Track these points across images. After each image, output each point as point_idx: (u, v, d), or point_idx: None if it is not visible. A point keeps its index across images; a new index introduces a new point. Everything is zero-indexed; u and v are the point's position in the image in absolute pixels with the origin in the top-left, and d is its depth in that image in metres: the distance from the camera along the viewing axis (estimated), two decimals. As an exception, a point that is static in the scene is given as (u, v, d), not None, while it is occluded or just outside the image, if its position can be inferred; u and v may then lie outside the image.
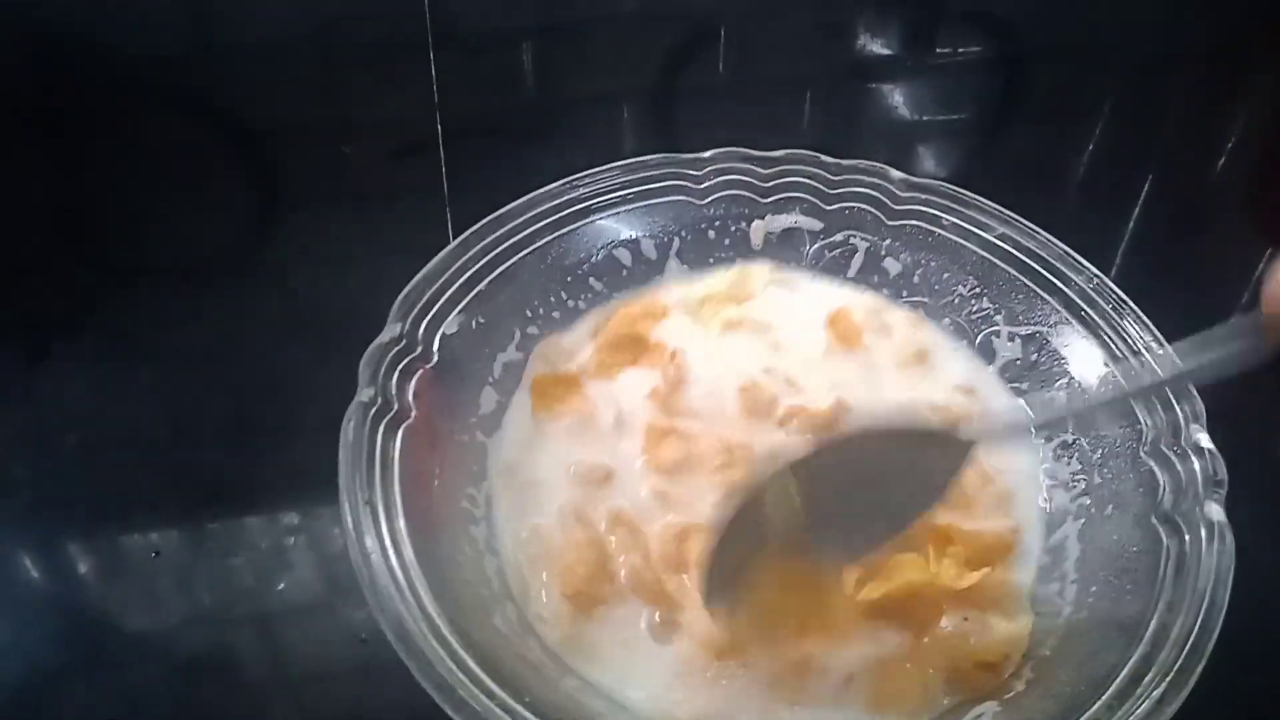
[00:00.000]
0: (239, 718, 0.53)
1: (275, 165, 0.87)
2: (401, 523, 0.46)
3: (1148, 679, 0.42)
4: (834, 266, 0.62)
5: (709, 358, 0.57)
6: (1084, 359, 0.55)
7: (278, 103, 0.90)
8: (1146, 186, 0.83)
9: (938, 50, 0.99)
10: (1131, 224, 0.79)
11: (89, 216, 0.82)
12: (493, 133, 0.87)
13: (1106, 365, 0.53)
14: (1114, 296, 0.54)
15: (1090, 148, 0.88)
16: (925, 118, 0.94)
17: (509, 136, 0.87)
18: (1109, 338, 0.53)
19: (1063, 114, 0.92)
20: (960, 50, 0.99)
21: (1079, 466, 0.53)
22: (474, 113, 0.88)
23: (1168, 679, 0.41)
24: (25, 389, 0.67)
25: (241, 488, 0.62)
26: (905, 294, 0.61)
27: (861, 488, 0.44)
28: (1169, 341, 0.52)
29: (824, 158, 0.61)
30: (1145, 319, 0.53)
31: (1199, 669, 0.41)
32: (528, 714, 0.41)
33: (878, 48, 0.99)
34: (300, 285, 0.74)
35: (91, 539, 0.60)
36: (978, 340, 0.59)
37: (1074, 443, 0.54)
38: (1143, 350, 0.52)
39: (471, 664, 0.42)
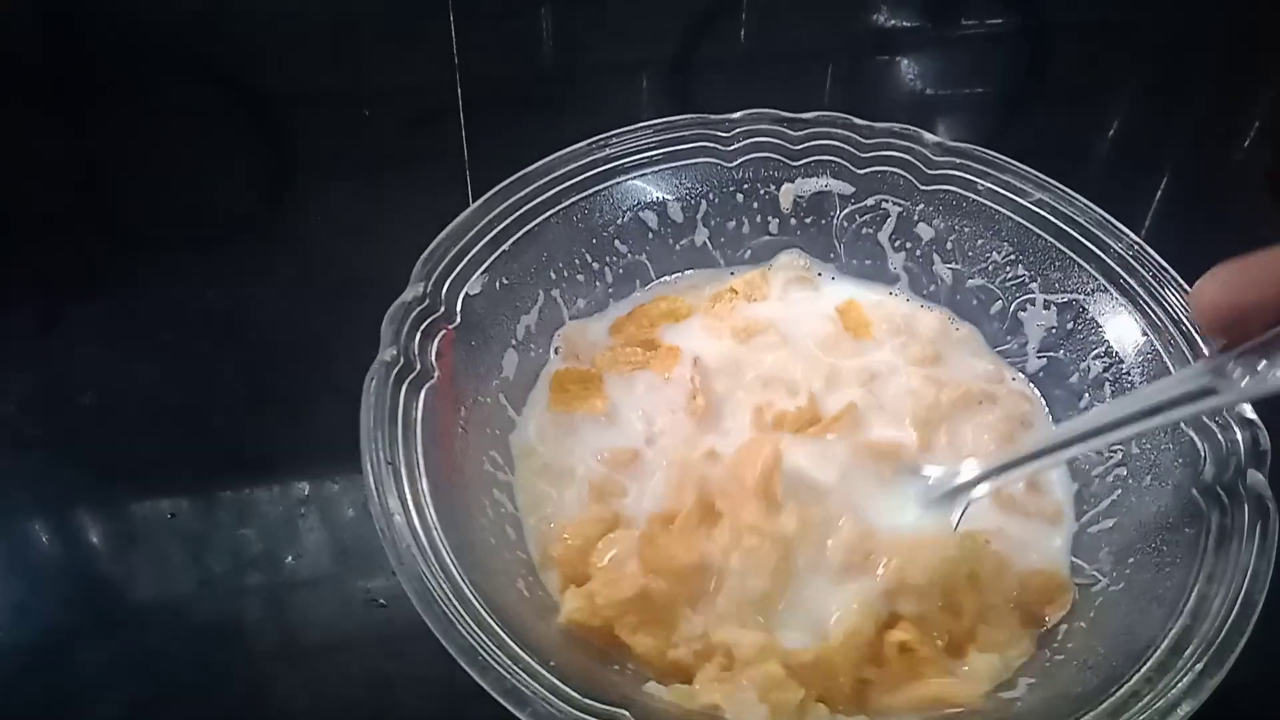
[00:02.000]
0: (252, 684, 0.53)
1: (293, 132, 0.86)
2: (424, 484, 0.45)
3: (1188, 652, 0.40)
4: (866, 231, 0.61)
5: (721, 369, 0.56)
6: (1122, 327, 0.53)
7: (295, 69, 0.89)
8: (1171, 162, 0.82)
9: (962, 22, 0.97)
10: (1156, 201, 0.78)
11: (105, 180, 0.81)
12: (512, 100, 0.86)
13: (1145, 334, 0.52)
14: (1154, 263, 0.53)
15: (1115, 122, 0.86)
16: (948, 90, 0.93)
17: (529, 104, 0.86)
18: (1148, 306, 0.52)
19: (1087, 88, 0.90)
20: (985, 22, 0.97)
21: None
22: (494, 80, 0.87)
23: (1209, 653, 0.40)
24: (40, 349, 0.67)
25: (258, 451, 0.61)
26: (939, 260, 0.59)
27: None
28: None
29: (856, 120, 0.59)
30: (1187, 286, 0.51)
31: (1241, 643, 0.40)
32: (553, 679, 0.40)
33: (901, 19, 0.98)
34: (318, 249, 0.73)
35: (105, 501, 0.59)
36: (1012, 307, 0.57)
37: (1111, 413, 0.53)
38: (1184, 319, 0.51)
39: (496, 627, 0.41)
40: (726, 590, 0.46)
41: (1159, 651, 0.41)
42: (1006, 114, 0.92)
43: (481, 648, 0.40)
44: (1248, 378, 0.38)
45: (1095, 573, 0.49)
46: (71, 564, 0.57)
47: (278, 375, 0.65)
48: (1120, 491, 0.50)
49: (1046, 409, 0.57)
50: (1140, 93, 0.91)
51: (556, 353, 0.58)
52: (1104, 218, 0.55)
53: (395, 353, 0.48)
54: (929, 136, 0.59)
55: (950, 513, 0.48)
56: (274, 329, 0.67)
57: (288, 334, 0.67)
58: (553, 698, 0.39)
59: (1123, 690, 0.40)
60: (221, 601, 0.55)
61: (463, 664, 0.39)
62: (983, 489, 0.48)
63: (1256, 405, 0.47)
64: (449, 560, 0.43)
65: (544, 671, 0.40)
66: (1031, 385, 0.58)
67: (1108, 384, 0.53)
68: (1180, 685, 0.39)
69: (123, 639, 0.54)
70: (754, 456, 0.48)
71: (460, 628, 0.40)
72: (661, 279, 0.62)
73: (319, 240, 0.74)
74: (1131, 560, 0.47)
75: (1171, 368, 0.50)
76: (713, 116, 0.60)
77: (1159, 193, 0.79)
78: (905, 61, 0.93)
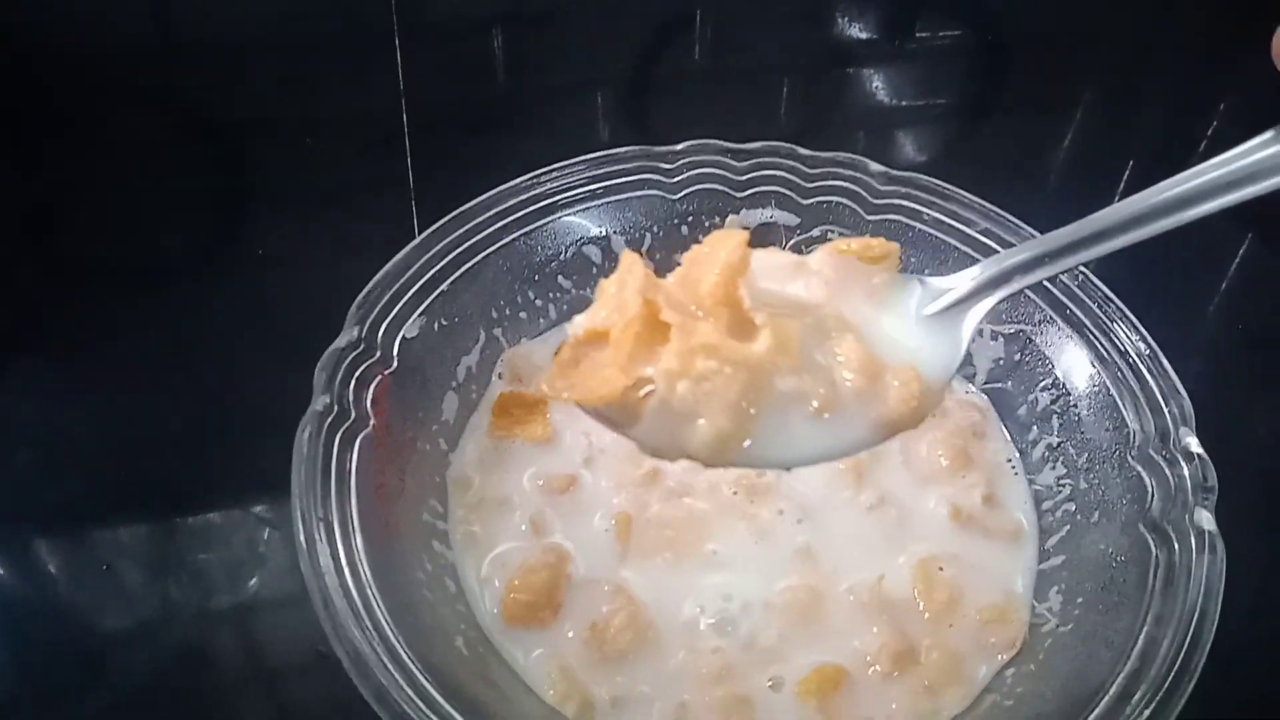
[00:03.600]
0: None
1: (238, 162, 0.84)
2: (358, 540, 0.44)
3: (1136, 698, 0.40)
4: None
5: None
6: (1069, 358, 0.53)
7: (240, 98, 0.87)
8: (1126, 175, 0.82)
9: (917, 35, 0.96)
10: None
11: (46, 216, 0.79)
12: (462, 125, 0.85)
13: (1093, 366, 0.51)
14: (1100, 294, 0.52)
15: (1070, 135, 0.86)
16: (905, 103, 0.92)
17: (479, 128, 0.85)
18: (1095, 338, 0.51)
19: (1043, 101, 0.90)
20: (941, 35, 0.97)
21: (1064, 471, 0.52)
22: (442, 104, 0.85)
23: (1157, 697, 0.40)
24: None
25: (197, 498, 0.59)
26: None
27: None
28: (1155, 341, 0.50)
29: (800, 150, 0.59)
30: (1133, 318, 0.51)
31: (1190, 687, 0.40)
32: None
33: (857, 32, 0.97)
34: (261, 286, 0.71)
35: (46, 552, 0.58)
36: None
37: (1059, 446, 0.52)
38: (1130, 352, 0.50)
39: (432, 691, 0.40)
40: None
41: (1107, 698, 0.40)
42: (963, 126, 0.92)
43: (417, 714, 0.39)
44: None
45: (1045, 611, 0.48)
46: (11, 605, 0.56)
47: (220, 417, 0.63)
48: (1069, 528, 0.50)
49: (999, 418, 0.56)
50: (1096, 105, 0.90)
51: (500, 377, 0.57)
52: (1050, 247, 0.54)
53: (329, 401, 0.47)
54: (874, 166, 0.58)
55: (955, 335, 0.40)
56: (215, 370, 0.65)
57: (229, 375, 0.65)
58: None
59: (1071, 741, 0.40)
60: (160, 650, 0.54)
61: (397, 735, 0.38)
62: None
63: (1204, 442, 0.47)
64: (383, 621, 0.42)
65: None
66: (981, 394, 0.57)
67: (1055, 416, 0.53)
68: (1129, 734, 0.39)
69: (63, 693, 0.52)
70: (712, 254, 0.38)
71: (394, 693, 0.39)
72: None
73: (264, 275, 0.72)
74: (1080, 600, 0.47)
75: (1119, 401, 0.50)
76: (656, 148, 0.59)
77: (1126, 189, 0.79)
78: (862, 74, 0.93)
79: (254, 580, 0.56)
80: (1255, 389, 0.65)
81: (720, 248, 0.37)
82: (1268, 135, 0.35)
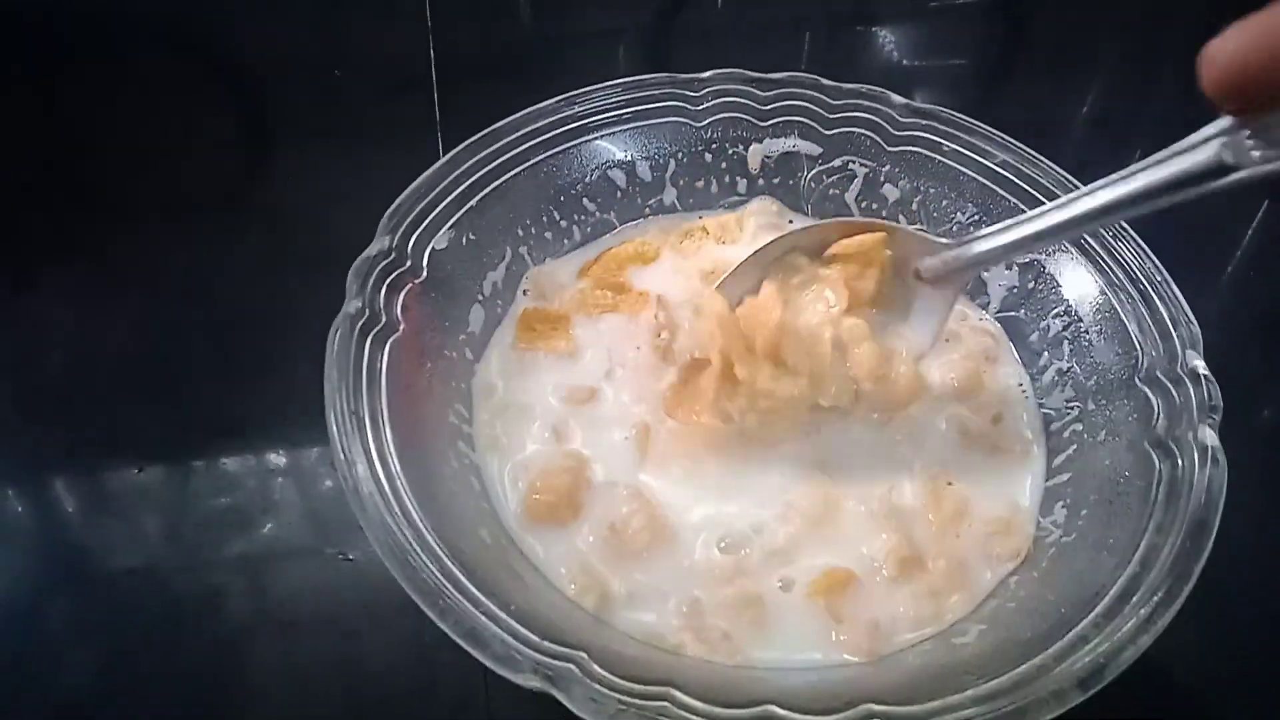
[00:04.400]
0: (223, 638, 0.53)
1: (266, 101, 0.86)
2: (388, 434, 0.45)
3: (1135, 599, 0.41)
4: (833, 192, 0.62)
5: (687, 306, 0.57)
6: (1081, 286, 0.54)
7: (269, 38, 0.88)
8: (1147, 134, 0.82)
9: (939, -6, 0.97)
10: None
11: (78, 149, 0.81)
12: (487, 69, 0.86)
13: (1104, 293, 0.52)
14: (1117, 226, 0.53)
15: (1090, 96, 0.87)
16: (924, 62, 0.93)
17: (503, 72, 0.86)
18: (1106, 265, 0.53)
19: (1064, 62, 0.91)
20: (961, -5, 0.97)
21: (1073, 394, 0.53)
22: (468, 48, 0.87)
23: (1155, 598, 0.41)
24: (12, 314, 0.67)
25: (226, 408, 0.61)
26: (903, 220, 0.60)
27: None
28: (1168, 273, 0.52)
29: (824, 81, 0.60)
30: (1144, 246, 0.52)
31: (1186, 590, 0.41)
32: (513, 622, 0.40)
33: (878, -11, 0.98)
34: (289, 216, 0.73)
35: (74, 459, 0.59)
36: (975, 269, 0.58)
37: (1069, 370, 0.53)
38: (1141, 278, 0.51)
39: (457, 572, 0.41)
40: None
41: (1108, 598, 0.42)
42: (983, 86, 0.92)
43: (443, 592, 0.40)
44: (1263, 150, 0.36)
45: (1050, 524, 0.49)
46: (43, 520, 0.58)
47: (247, 336, 0.65)
48: (1076, 447, 0.51)
49: (1010, 344, 0.57)
50: (1116, 66, 0.91)
51: (525, 294, 0.58)
52: (1065, 178, 0.55)
53: (360, 305, 0.49)
54: (896, 98, 0.59)
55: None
56: (244, 292, 0.67)
57: (258, 296, 0.67)
58: (511, 639, 0.39)
59: (1071, 635, 0.41)
60: (192, 558, 0.55)
61: (424, 607, 0.40)
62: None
63: (1210, 363, 0.48)
64: (412, 508, 0.43)
65: (504, 615, 0.40)
66: (995, 321, 0.58)
67: (1065, 342, 0.54)
68: (1127, 629, 0.40)
69: (94, 595, 0.54)
70: (760, 319, 0.49)
71: (423, 573, 0.41)
72: (630, 222, 0.62)
73: (290, 206, 0.74)
74: (1084, 512, 0.48)
75: (1128, 326, 0.51)
76: (682, 76, 0.60)
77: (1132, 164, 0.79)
78: (883, 32, 0.94)
79: (285, 493, 0.58)
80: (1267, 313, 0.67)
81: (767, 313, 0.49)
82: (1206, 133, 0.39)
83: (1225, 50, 0.34)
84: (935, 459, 0.52)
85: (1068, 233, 0.48)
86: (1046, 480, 0.52)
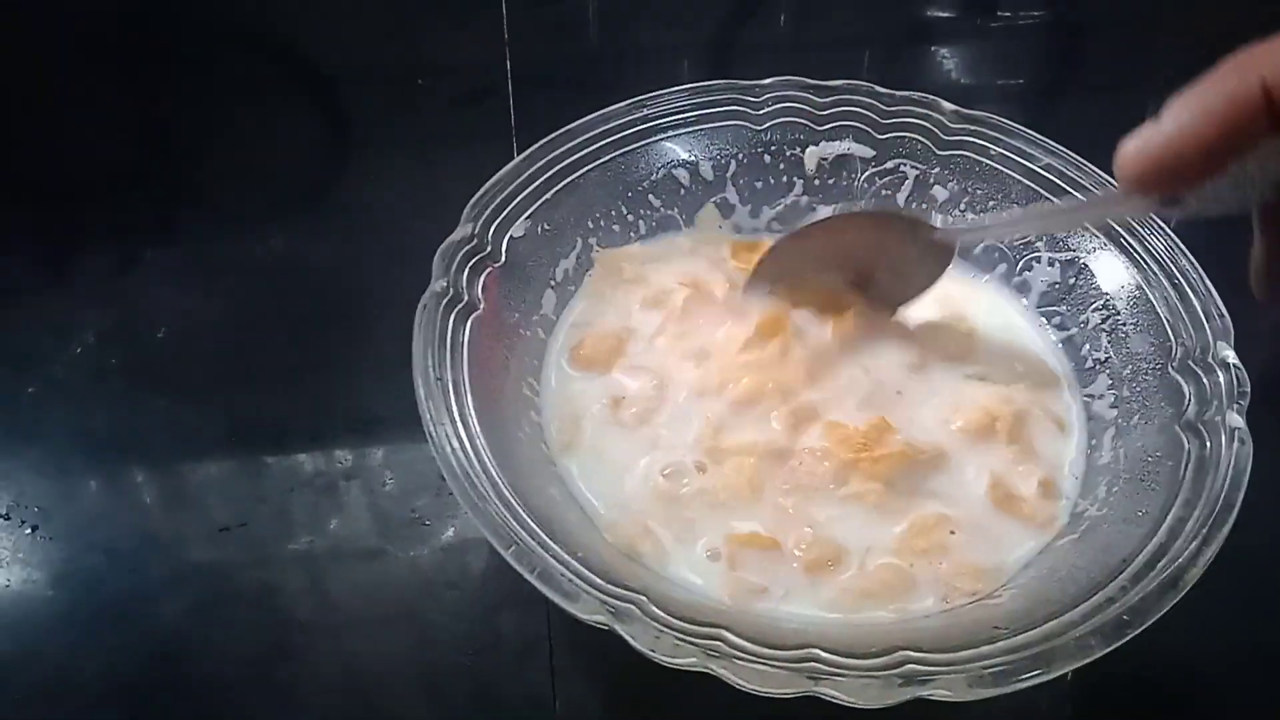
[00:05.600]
0: (303, 589, 0.58)
1: (351, 107, 0.91)
2: (469, 398, 0.50)
3: (1161, 564, 0.44)
4: (885, 193, 0.65)
5: None
6: (1118, 280, 0.57)
7: (350, 45, 0.94)
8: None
9: (998, 14, 1.00)
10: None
11: (175, 144, 0.87)
12: (558, 80, 0.91)
13: (1140, 288, 0.55)
14: (1153, 224, 0.56)
15: (1146, 115, 0.88)
16: (982, 82, 0.96)
17: (574, 84, 0.91)
18: (1143, 259, 0.56)
19: (1120, 83, 0.93)
20: (1021, 15, 1.00)
21: (1110, 381, 0.56)
22: (541, 60, 0.91)
23: (1177, 563, 0.44)
24: (119, 289, 0.72)
25: (314, 378, 0.67)
26: (951, 221, 0.63)
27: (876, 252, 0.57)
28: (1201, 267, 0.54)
29: (878, 89, 0.63)
30: (1177, 240, 0.55)
31: (1210, 555, 0.44)
32: (578, 564, 0.44)
33: (939, 9, 1.01)
34: (372, 214, 0.78)
35: (174, 423, 0.65)
36: (1019, 266, 0.61)
37: (1106, 360, 0.56)
38: (1177, 273, 0.54)
39: (530, 520, 0.45)
40: None
41: (1135, 564, 0.45)
42: (1040, 106, 0.95)
43: (517, 537, 0.44)
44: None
45: (1083, 502, 0.52)
46: (144, 475, 0.63)
47: (331, 323, 0.70)
48: (1112, 431, 0.54)
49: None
50: (1172, 89, 0.93)
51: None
52: (1108, 181, 0.58)
53: (445, 284, 0.53)
54: (946, 105, 0.63)
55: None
56: (328, 282, 0.72)
57: (342, 284, 0.72)
58: (578, 580, 0.43)
59: (1098, 596, 0.44)
60: (278, 515, 0.60)
61: (498, 548, 0.44)
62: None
63: (1240, 350, 0.51)
64: (490, 464, 0.47)
65: (571, 559, 0.44)
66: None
67: (1104, 334, 0.57)
68: (1152, 590, 0.43)
69: (186, 550, 0.59)
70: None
71: (499, 520, 0.45)
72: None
73: (373, 206, 0.78)
74: (1117, 490, 0.51)
75: (1163, 319, 0.54)
76: (743, 82, 0.64)
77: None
78: (942, 50, 0.97)
79: (366, 460, 0.62)
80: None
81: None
82: None
83: (1135, 153, 0.38)
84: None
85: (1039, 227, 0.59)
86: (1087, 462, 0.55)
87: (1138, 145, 0.38)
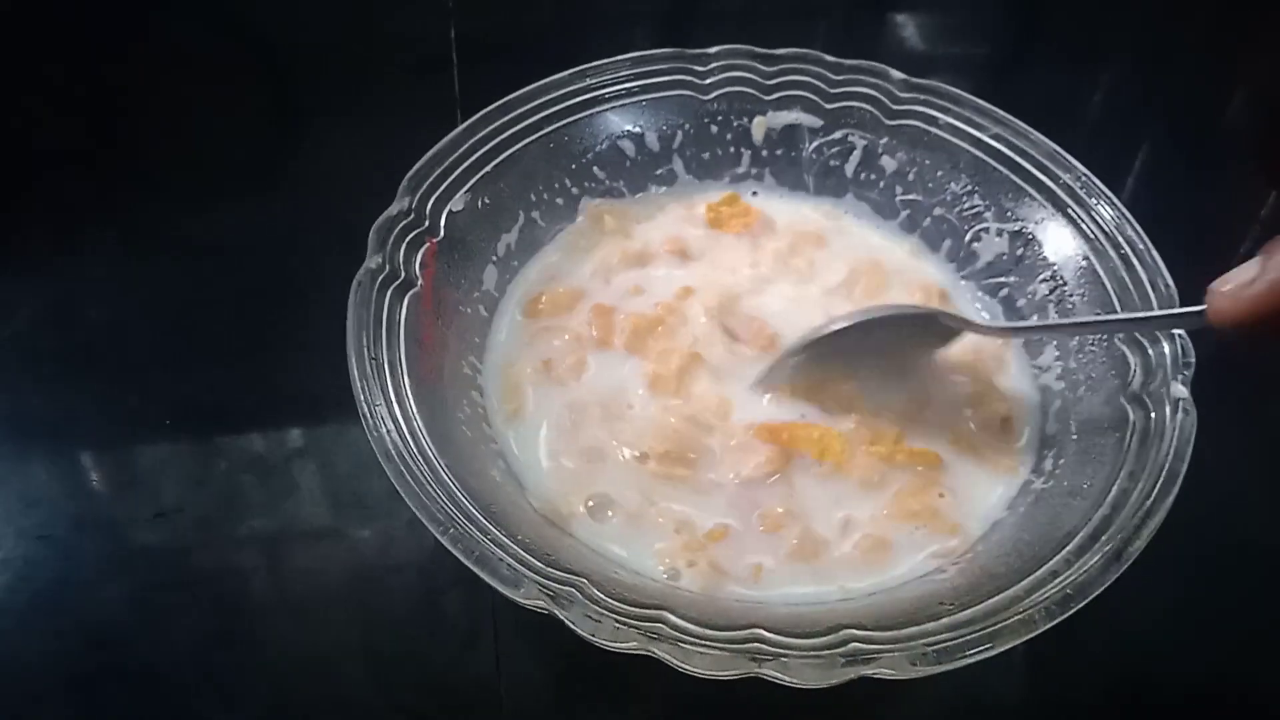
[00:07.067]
0: (247, 572, 0.56)
1: (293, 79, 0.89)
2: (406, 379, 0.49)
3: (1105, 537, 0.44)
4: (834, 163, 0.64)
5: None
6: (1067, 253, 0.56)
7: (296, 17, 0.91)
8: (1158, 125, 0.84)
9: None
10: (1140, 161, 0.80)
11: (117, 116, 0.84)
12: (507, 51, 0.88)
13: (1087, 259, 0.55)
14: (1100, 192, 0.56)
15: (1104, 84, 0.88)
16: (940, 50, 0.95)
17: (523, 55, 0.88)
18: (1089, 229, 0.55)
19: (1079, 50, 0.92)
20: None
21: (1057, 354, 0.55)
22: (489, 31, 0.89)
23: (1123, 536, 0.43)
24: (54, 269, 0.70)
25: (255, 358, 0.65)
26: (900, 191, 0.62)
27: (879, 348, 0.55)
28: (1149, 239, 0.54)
29: (826, 57, 0.62)
30: (1125, 211, 0.55)
31: (1152, 527, 0.44)
32: (519, 549, 0.43)
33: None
34: (315, 190, 0.76)
35: (109, 405, 0.63)
36: (967, 236, 0.61)
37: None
38: (1123, 243, 0.54)
39: (468, 504, 0.44)
40: None
41: (1079, 537, 0.44)
42: (996, 76, 0.94)
43: (454, 521, 0.43)
44: None
45: (1030, 474, 0.52)
46: (79, 460, 0.61)
47: (275, 295, 0.68)
48: (1059, 403, 0.54)
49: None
50: (1129, 60, 0.92)
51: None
52: (1055, 150, 0.58)
53: (381, 261, 0.52)
54: (896, 74, 0.62)
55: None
56: (268, 257, 0.70)
57: (282, 261, 0.70)
58: (517, 564, 0.42)
59: (1043, 570, 0.44)
60: (218, 499, 0.58)
61: (435, 533, 0.43)
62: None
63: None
64: (427, 446, 0.46)
65: (510, 542, 0.43)
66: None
67: (1051, 305, 0.56)
68: (1095, 564, 0.43)
69: (122, 536, 0.58)
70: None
71: (436, 504, 0.44)
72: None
73: (316, 180, 0.76)
74: (1063, 461, 0.51)
75: (1110, 289, 0.54)
76: (689, 51, 0.62)
77: (1144, 155, 0.81)
78: (900, 18, 0.95)
79: (305, 442, 0.61)
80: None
81: None
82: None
83: (1231, 297, 0.39)
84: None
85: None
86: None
87: (1234, 288, 0.39)
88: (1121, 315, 0.52)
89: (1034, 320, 0.57)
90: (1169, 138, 0.85)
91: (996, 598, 0.43)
